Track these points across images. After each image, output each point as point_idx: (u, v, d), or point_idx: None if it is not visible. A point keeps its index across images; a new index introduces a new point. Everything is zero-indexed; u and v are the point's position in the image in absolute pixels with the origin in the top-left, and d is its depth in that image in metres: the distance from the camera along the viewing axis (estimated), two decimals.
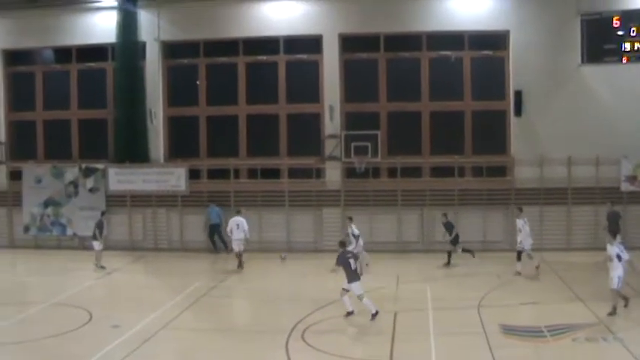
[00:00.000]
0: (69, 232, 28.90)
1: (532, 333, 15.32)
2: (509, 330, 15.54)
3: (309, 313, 17.42)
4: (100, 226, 24.51)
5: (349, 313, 17.26)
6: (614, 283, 16.78)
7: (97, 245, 24.26)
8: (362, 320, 16.86)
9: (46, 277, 23.36)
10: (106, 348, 14.81)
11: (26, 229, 29.38)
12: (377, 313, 16.98)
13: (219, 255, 26.96)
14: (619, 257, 16.89)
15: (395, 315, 17.02)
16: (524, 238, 21.70)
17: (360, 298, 17.15)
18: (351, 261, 17.20)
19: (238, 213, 23.47)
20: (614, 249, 17.06)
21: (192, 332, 16.49)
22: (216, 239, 27.36)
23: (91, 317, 17.48)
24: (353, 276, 17.06)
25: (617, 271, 16.82)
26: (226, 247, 26.46)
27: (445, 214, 23.56)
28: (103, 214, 26.43)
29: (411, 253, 25.93)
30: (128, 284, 22.39)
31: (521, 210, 22.57)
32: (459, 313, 17.23)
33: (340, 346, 15.03)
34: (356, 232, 22.76)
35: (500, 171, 27.18)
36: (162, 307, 18.32)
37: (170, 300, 19.20)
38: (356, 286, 17.09)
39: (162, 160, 28.64)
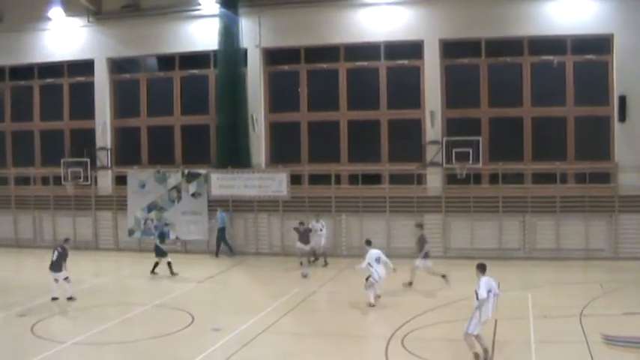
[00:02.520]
0: (172, 236, 34.20)
1: (636, 344, 16.41)
2: (611, 340, 16.68)
3: (410, 319, 19.46)
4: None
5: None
6: None
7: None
8: (462, 328, 18.26)
9: (149, 280, 27.15)
10: (206, 350, 16.93)
11: (130, 232, 35.21)
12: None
13: (219, 258, 31.87)
14: None
15: (495, 323, 18.17)
16: None
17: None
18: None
19: (316, 217, 28.65)
20: None
21: (291, 336, 18.70)
22: (223, 243, 32.04)
23: (192, 320, 20.11)
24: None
25: None
26: (231, 250, 32.19)
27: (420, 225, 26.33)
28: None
29: (512, 260, 28.96)
30: (229, 288, 25.64)
31: None
32: (561, 322, 18.69)
33: (440, 353, 16.64)
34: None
35: (604, 177, 30.80)
36: (262, 311, 20.83)
37: (270, 304, 21.79)
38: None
39: (263, 165, 33.73)
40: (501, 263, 28.51)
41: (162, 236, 29.92)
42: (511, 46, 31.65)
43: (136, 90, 36.03)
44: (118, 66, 36.36)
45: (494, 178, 31.47)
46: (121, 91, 36.47)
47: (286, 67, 34.32)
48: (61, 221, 36.01)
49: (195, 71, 35.36)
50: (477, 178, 31.64)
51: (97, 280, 27.31)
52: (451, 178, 31.56)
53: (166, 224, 33.68)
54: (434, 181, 31.70)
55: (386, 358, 16.22)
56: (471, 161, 30.71)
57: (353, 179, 33.05)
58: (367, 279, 21.81)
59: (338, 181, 32.95)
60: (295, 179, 33.05)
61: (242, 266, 30.15)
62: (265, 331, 18.87)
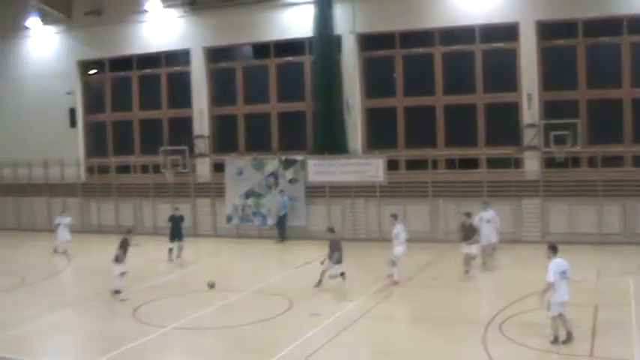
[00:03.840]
0: (269, 222, 37.41)
1: None
2: None
3: (508, 304, 20.20)
4: None
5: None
6: None
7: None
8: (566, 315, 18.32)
9: (247, 266, 29.24)
10: (305, 335, 18.03)
11: (229, 219, 38.38)
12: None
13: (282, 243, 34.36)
14: None
15: (595, 309, 19.19)
16: None
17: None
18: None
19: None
20: None
21: (389, 322, 19.98)
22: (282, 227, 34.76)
23: (290, 305, 21.46)
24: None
25: None
26: (283, 237, 34.78)
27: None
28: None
29: (612, 245, 29.96)
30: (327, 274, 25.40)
31: None
32: None
33: (540, 339, 17.00)
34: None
35: None
36: (360, 297, 22.16)
37: (368, 289, 23.16)
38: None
39: (360, 151, 36.33)
40: (601, 248, 30.44)
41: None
42: (609, 25, 32.84)
43: (232, 78, 39.10)
44: (214, 55, 39.53)
45: (593, 161, 32.98)
46: (217, 79, 39.66)
47: (381, 53, 36.71)
48: (160, 208, 39.29)
49: (291, 58, 38.23)
50: (575, 162, 33.23)
51: (195, 266, 29.83)
52: (549, 162, 33.23)
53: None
54: (531, 164, 33.41)
55: (483, 344, 16.97)
56: (569, 144, 32.31)
57: (450, 164, 35.23)
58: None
59: (435, 165, 35.13)
60: (392, 164, 35.27)
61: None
62: (363, 316, 20.09)
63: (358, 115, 35.87)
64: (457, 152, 34.96)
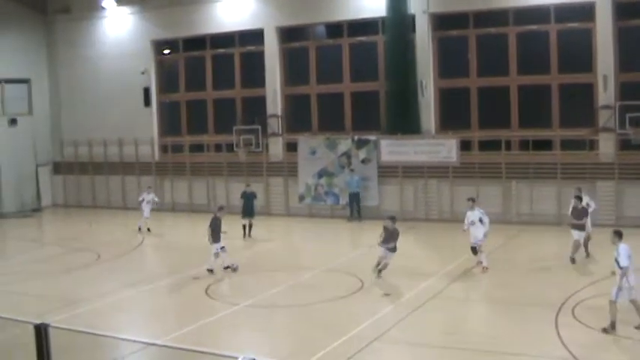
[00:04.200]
0: (342, 201, 38.38)
1: None
2: None
3: (582, 287, 20.59)
4: None
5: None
6: None
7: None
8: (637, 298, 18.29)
9: (319, 245, 29.84)
10: (377, 315, 18.55)
11: (301, 198, 39.42)
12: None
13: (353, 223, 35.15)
14: None
15: None
16: None
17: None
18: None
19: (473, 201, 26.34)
20: None
21: (461, 302, 20.41)
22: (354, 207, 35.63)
23: (362, 284, 22.10)
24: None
25: None
26: (359, 215, 35.55)
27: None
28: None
29: None
30: (400, 254, 25.17)
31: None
32: None
33: (625, 327, 16.92)
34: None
35: None
36: (432, 277, 22.75)
37: (440, 270, 23.72)
38: None
39: (433, 131, 36.96)
40: None
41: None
42: None
43: (305, 58, 40.00)
44: (287, 34, 40.50)
45: None
46: (290, 59, 40.61)
47: (454, 33, 37.31)
48: (233, 187, 40.50)
49: (364, 38, 38.93)
50: None
51: (268, 245, 31.40)
52: (625, 144, 33.40)
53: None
54: (606, 146, 33.64)
55: (555, 327, 17.27)
56: None
57: (523, 145, 35.57)
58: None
59: (508, 147, 35.66)
60: (465, 145, 35.84)
61: (412, 232, 31.75)
62: (435, 296, 20.68)
63: (431, 95, 35.93)
64: (531, 133, 35.27)
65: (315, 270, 24.58)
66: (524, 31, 35.82)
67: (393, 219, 24.34)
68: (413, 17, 36.69)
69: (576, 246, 24.89)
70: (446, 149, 35.95)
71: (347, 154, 37.85)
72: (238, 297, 21.48)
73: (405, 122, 36.60)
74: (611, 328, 16.80)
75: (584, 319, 17.80)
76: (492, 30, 36.46)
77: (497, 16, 36.10)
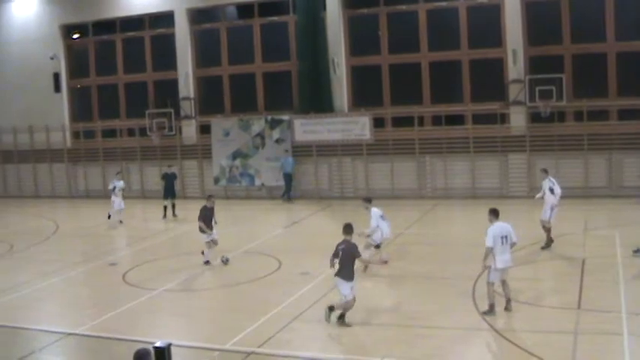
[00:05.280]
0: (257, 182, 36.85)
1: None
2: None
3: None
4: None
5: None
6: None
7: None
8: (551, 268, 19.62)
9: (237, 227, 28.33)
10: (296, 294, 18.12)
11: (216, 180, 37.69)
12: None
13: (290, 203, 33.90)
14: None
15: (583, 262, 19.46)
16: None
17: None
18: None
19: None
20: None
21: (379, 278, 19.80)
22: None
23: (280, 264, 21.50)
24: None
25: None
26: (290, 197, 34.21)
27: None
28: None
29: (598, 198, 30.11)
30: (315, 232, 26.73)
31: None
32: None
33: (527, 293, 17.26)
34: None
35: None
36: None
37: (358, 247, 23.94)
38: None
39: (346, 109, 35.79)
40: (587, 202, 30.20)
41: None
42: None
43: (217, 39, 38.30)
44: (197, 16, 38.68)
45: (578, 116, 32.69)
46: (201, 41, 38.86)
47: (365, 11, 36.03)
48: (148, 172, 38.88)
49: (275, 18, 37.42)
50: (561, 116, 32.90)
51: (184, 228, 29.54)
52: (535, 117, 32.88)
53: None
54: (517, 120, 33.08)
55: (472, 299, 17.17)
56: (554, 99, 31.87)
57: (436, 120, 34.84)
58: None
59: (421, 122, 34.76)
60: (378, 122, 34.96)
61: (327, 211, 31.74)
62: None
63: (343, 73, 35.60)
64: (443, 109, 34.58)
65: (233, 252, 23.49)
66: (435, 8, 34.88)
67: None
68: None
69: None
70: (359, 127, 34.93)
71: (261, 135, 36.37)
72: (156, 282, 20.47)
73: (318, 101, 35.42)
74: (489, 311, 16.05)
75: (501, 289, 16.94)
76: (403, 7, 35.37)
77: None
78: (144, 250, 25.15)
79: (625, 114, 32.20)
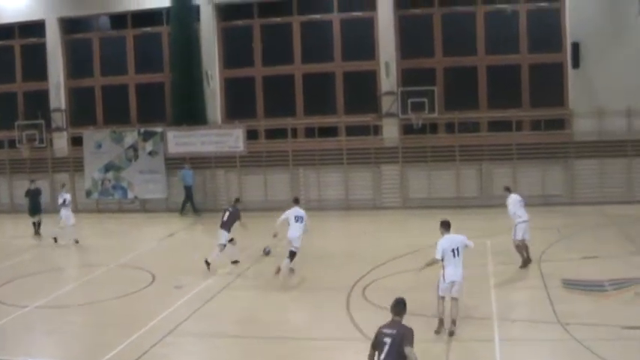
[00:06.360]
0: (130, 195, 34.70)
1: (594, 287, 17.18)
2: (570, 284, 17.46)
3: (370, 270, 19.99)
4: None
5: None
6: None
7: None
8: (423, 277, 19.67)
9: (110, 240, 27.12)
10: (169, 308, 17.30)
11: (88, 193, 35.34)
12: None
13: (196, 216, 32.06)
14: None
15: None
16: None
17: None
18: None
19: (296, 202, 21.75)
20: None
21: (253, 291, 19.07)
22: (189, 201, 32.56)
23: (154, 278, 20.45)
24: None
25: None
26: (194, 209, 32.38)
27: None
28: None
29: (469, 208, 29.71)
30: (189, 246, 25.61)
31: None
32: (519, 269, 19.33)
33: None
34: None
35: (559, 124, 31.71)
36: (224, 268, 21.21)
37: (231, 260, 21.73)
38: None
39: (219, 121, 34.10)
40: (459, 212, 29.32)
41: None
42: None
43: (89, 50, 36.11)
44: (69, 26, 36.32)
45: (450, 128, 32.21)
46: (73, 51, 36.48)
47: (239, 23, 34.52)
48: (18, 185, 35.90)
49: (148, 29, 35.48)
50: (433, 128, 32.30)
51: (50, 242, 27.51)
52: (407, 129, 32.16)
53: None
54: (390, 131, 32.28)
55: (347, 309, 16.69)
56: (426, 111, 31.24)
57: (309, 132, 33.53)
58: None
59: (294, 134, 33.49)
60: (252, 134, 33.51)
61: (202, 223, 30.69)
62: (228, 286, 19.40)
63: (217, 85, 34.10)
64: (316, 121, 33.32)
65: (106, 266, 22.57)
66: (308, 20, 33.75)
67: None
68: (197, 7, 33.79)
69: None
70: (233, 139, 33.35)
71: (133, 147, 34.40)
72: (28, 298, 18.90)
73: (191, 113, 33.67)
74: (440, 326, 15.01)
75: (375, 299, 17.07)
76: (277, 19, 34.10)
77: (282, 6, 33.75)
78: (12, 267, 23.22)
79: (495, 126, 31.99)
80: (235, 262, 21.92)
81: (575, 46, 30.77)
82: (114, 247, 26.01)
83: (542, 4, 31.97)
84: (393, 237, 23.69)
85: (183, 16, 33.65)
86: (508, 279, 18.66)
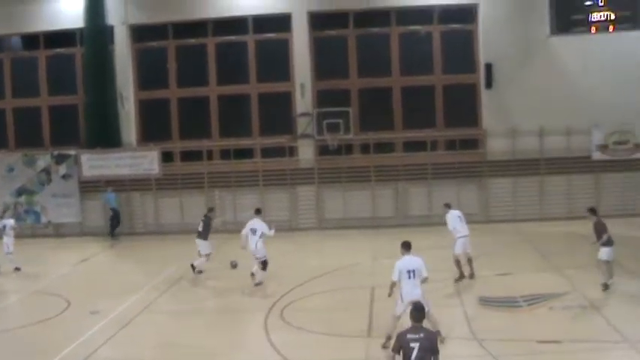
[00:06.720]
0: (43, 219, 33.61)
1: (508, 303, 17.59)
2: (485, 301, 17.79)
3: (288, 291, 19.91)
4: None
5: None
6: None
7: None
8: (341, 297, 19.28)
9: (23, 266, 26.49)
10: (85, 334, 16.85)
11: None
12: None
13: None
14: None
15: (372, 290, 19.22)
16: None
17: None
18: None
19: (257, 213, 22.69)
20: None
21: (171, 315, 18.79)
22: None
23: (69, 304, 19.84)
24: None
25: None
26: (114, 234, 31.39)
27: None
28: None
29: (386, 228, 29.48)
30: (105, 270, 25.29)
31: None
32: (436, 286, 18.18)
33: (320, 323, 16.91)
34: None
35: (473, 144, 31.97)
36: (140, 292, 20.81)
37: (148, 284, 21.77)
38: None
39: (134, 144, 33.35)
40: (376, 232, 29.73)
41: None
42: (379, 17, 32.31)
43: (0, 71, 35.03)
44: None
45: (365, 148, 32.08)
46: None
47: (154, 44, 33.93)
48: None
49: (62, 50, 34.58)
50: (348, 149, 32.13)
51: None
52: (323, 150, 31.97)
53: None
54: (306, 153, 32.05)
55: (265, 331, 16.53)
56: (342, 132, 31.14)
57: (225, 154, 33.01)
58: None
59: (210, 156, 32.96)
60: (167, 157, 32.91)
61: (117, 247, 30.11)
62: (144, 311, 18.97)
63: (132, 107, 33.31)
64: (232, 143, 32.84)
65: (20, 293, 22.21)
66: (224, 42, 33.31)
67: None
68: (111, 28, 32.97)
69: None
70: (148, 161, 32.65)
71: (46, 171, 33.41)
72: None
73: (106, 135, 32.77)
74: (387, 341, 14.79)
75: (293, 320, 17.28)
76: (192, 41, 33.56)
77: (197, 27, 33.18)
78: None
79: (409, 146, 32.00)
80: (198, 271, 22.82)
81: (488, 67, 31.06)
82: (27, 273, 25.17)
83: (456, 25, 32.23)
84: (310, 258, 23.66)
85: (97, 37, 32.78)
86: (427, 296, 18.33)
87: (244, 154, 32.94)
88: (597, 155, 31.17)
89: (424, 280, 14.99)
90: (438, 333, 14.76)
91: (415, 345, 9.95)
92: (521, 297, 17.89)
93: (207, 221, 23.24)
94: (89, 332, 17.04)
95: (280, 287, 20.46)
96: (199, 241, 22.84)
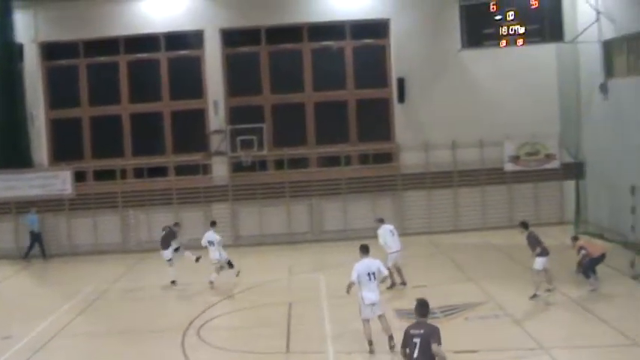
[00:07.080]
0: None
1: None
2: (402, 314, 17.58)
3: (204, 310, 19.85)
4: None
5: None
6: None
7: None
8: (258, 314, 19.32)
9: None
10: None
11: None
12: None
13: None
14: None
15: (289, 306, 19.40)
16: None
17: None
18: None
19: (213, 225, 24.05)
20: None
21: (86, 337, 18.47)
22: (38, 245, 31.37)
23: None
24: None
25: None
26: (44, 254, 30.72)
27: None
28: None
29: (301, 243, 29.90)
30: (17, 293, 24.69)
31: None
32: (353, 301, 17.97)
33: (237, 340, 17.04)
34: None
35: (387, 158, 32.04)
36: (54, 314, 20.39)
37: (62, 306, 21.40)
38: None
39: (46, 163, 32.52)
40: (292, 247, 29.74)
41: None
42: (291, 33, 32.23)
43: None
44: None
45: (279, 164, 31.93)
46: None
47: (65, 62, 33.14)
48: None
49: None
50: (262, 165, 31.98)
51: None
52: (237, 166, 31.68)
53: None
54: (220, 170, 31.71)
55: (182, 351, 16.33)
56: (255, 148, 30.92)
57: (138, 173, 32.43)
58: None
59: (124, 175, 32.31)
60: (79, 176, 32.12)
61: (30, 269, 29.37)
62: (58, 334, 18.50)
63: (42, 126, 32.45)
64: (145, 161, 32.29)
65: None
66: (135, 60, 32.73)
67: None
68: (21, 46, 32.05)
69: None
70: (60, 181, 31.79)
71: None
72: None
73: (16, 155, 31.71)
74: (370, 346, 15.30)
75: (210, 339, 17.10)
76: (103, 59, 32.92)
77: (108, 45, 32.56)
78: None
79: (323, 161, 32.09)
80: (173, 281, 23.36)
81: (401, 82, 31.21)
82: None
83: (368, 40, 32.38)
84: (225, 275, 23.03)
85: (6, 54, 31.76)
86: (342, 313, 18.35)
87: (158, 172, 32.43)
88: (509, 166, 31.50)
89: (383, 280, 16.08)
90: (391, 339, 15.23)
91: (417, 340, 10.46)
92: (437, 308, 17.72)
93: (169, 232, 23.86)
94: (1, 358, 16.54)
95: (196, 306, 20.32)
96: (162, 252, 23.57)
